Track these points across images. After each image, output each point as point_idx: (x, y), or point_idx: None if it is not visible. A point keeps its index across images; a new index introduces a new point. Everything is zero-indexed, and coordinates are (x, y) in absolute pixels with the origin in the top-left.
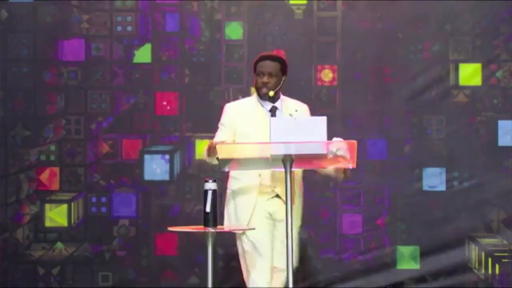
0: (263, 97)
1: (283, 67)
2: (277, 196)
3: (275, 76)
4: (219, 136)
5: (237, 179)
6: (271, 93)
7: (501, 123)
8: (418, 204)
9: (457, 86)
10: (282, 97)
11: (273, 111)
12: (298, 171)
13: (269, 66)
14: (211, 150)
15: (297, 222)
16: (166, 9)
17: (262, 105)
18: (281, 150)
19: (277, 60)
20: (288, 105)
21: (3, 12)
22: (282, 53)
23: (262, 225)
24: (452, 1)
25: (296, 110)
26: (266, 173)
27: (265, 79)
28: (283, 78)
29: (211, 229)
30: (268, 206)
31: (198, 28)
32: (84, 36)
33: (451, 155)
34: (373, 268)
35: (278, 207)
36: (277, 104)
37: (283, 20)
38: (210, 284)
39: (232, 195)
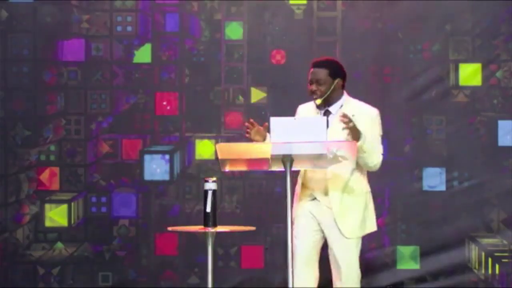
0: (316, 105)
1: (333, 71)
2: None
3: (323, 83)
4: None
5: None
6: (318, 101)
7: (501, 123)
8: (418, 204)
9: (457, 86)
10: (345, 99)
11: (326, 115)
12: (339, 173)
13: (316, 73)
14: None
15: (337, 234)
16: (166, 9)
17: (320, 109)
18: (281, 150)
19: (325, 65)
20: (346, 108)
21: (3, 12)
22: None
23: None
24: (452, 1)
25: (353, 115)
26: (307, 175)
27: (313, 87)
28: (335, 82)
29: (211, 229)
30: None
31: (198, 28)
32: (84, 36)
33: (451, 155)
34: (373, 268)
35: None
36: (333, 107)
37: (283, 20)
38: (210, 284)
39: None
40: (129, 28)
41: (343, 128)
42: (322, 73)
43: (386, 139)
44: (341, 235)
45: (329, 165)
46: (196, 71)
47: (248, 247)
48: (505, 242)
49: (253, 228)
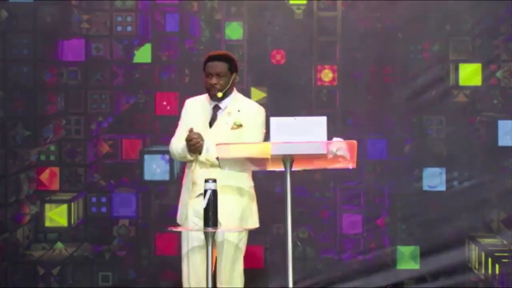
0: (212, 97)
1: (232, 66)
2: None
3: (223, 77)
4: (177, 132)
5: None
6: (220, 94)
7: (501, 123)
8: (418, 204)
9: (457, 86)
10: (234, 95)
11: (215, 110)
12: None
13: (217, 66)
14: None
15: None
16: (166, 9)
17: (210, 103)
18: (281, 150)
19: (224, 59)
20: (234, 104)
21: (3, 12)
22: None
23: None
24: (452, 1)
25: (238, 111)
26: (196, 171)
27: (214, 80)
28: (233, 77)
29: (211, 229)
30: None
31: (198, 28)
32: (84, 36)
33: (451, 155)
34: (373, 268)
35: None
36: (224, 102)
37: (283, 20)
38: (210, 284)
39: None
40: (129, 28)
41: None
42: (222, 66)
43: (386, 139)
44: (227, 236)
45: (329, 166)
46: (196, 71)
47: (248, 247)
48: (505, 242)
49: (253, 228)
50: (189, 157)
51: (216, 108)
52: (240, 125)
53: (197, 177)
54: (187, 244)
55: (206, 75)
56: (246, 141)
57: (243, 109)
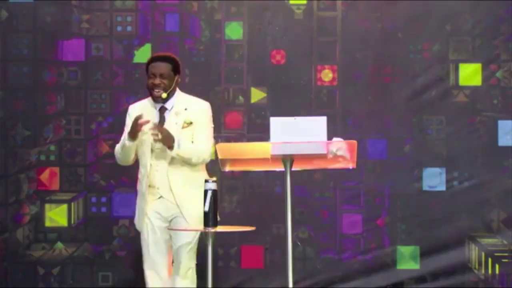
0: (155, 99)
1: (176, 67)
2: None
3: (167, 77)
4: (122, 138)
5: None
6: (164, 95)
7: (501, 123)
8: (418, 204)
9: (457, 86)
10: (178, 95)
11: (161, 112)
12: (178, 167)
13: (161, 67)
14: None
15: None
16: (166, 9)
17: (155, 106)
18: (281, 150)
19: (168, 60)
20: (180, 104)
21: (3, 12)
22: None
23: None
24: (452, 1)
25: (185, 109)
26: (152, 174)
27: (157, 81)
28: (176, 78)
29: (211, 229)
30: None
31: (198, 28)
32: (84, 36)
33: (451, 155)
34: (373, 268)
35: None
36: (169, 103)
37: (283, 20)
38: (210, 284)
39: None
40: (129, 28)
41: (155, 140)
42: (166, 67)
43: (386, 139)
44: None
45: (329, 166)
46: (196, 71)
47: (248, 247)
48: (505, 242)
49: (253, 228)
50: (127, 143)
51: (162, 110)
52: (190, 123)
53: (155, 180)
54: (146, 247)
55: (149, 76)
56: (197, 138)
57: (190, 107)
